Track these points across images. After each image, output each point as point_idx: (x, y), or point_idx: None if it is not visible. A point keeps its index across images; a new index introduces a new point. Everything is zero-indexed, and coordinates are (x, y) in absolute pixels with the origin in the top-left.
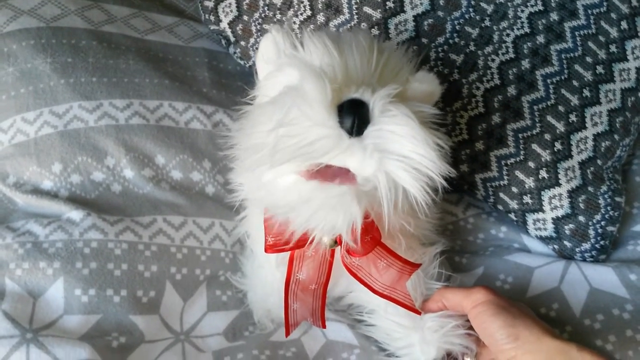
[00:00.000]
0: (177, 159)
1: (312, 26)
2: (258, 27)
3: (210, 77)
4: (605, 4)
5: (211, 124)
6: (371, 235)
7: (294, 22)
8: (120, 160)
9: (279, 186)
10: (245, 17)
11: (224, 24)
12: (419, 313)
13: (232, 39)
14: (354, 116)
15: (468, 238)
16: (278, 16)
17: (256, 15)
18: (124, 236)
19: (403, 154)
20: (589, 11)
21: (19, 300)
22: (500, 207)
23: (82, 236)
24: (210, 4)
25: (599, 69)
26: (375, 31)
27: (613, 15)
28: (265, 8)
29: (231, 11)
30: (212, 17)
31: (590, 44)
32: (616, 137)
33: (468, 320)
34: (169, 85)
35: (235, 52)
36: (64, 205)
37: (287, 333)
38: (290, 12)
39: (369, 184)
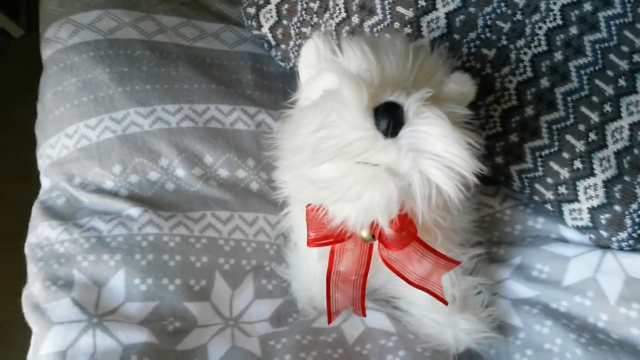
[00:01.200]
0: (223, 158)
1: (347, 27)
2: (297, 30)
3: (254, 79)
4: None
5: (254, 124)
6: (407, 230)
7: (330, 25)
8: (173, 161)
9: (321, 170)
10: (285, 22)
11: (265, 29)
12: (446, 303)
13: (273, 43)
14: (389, 118)
15: (505, 229)
16: (315, 19)
17: (295, 19)
18: (177, 230)
19: (436, 153)
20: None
21: (85, 289)
22: (536, 198)
23: (140, 231)
24: (252, 11)
25: (636, 58)
26: (407, 30)
27: None
28: (303, 12)
29: (272, 17)
30: (254, 23)
31: (626, 32)
32: None
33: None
34: (215, 89)
35: (276, 55)
36: (124, 203)
37: (330, 320)
38: (327, 15)
39: (404, 181)
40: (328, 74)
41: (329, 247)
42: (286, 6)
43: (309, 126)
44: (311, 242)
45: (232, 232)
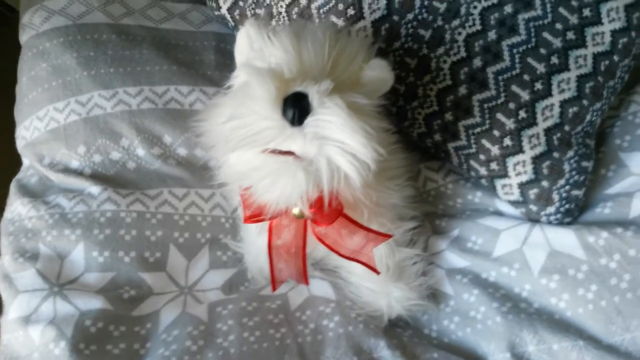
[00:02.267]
0: (182, 138)
1: (296, 9)
2: (252, 12)
3: (216, 59)
4: None
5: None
6: (332, 208)
7: (281, 6)
8: (133, 141)
9: (238, 161)
10: (241, 3)
11: (224, 10)
12: (378, 272)
13: (232, 24)
14: (294, 108)
15: (448, 203)
16: (268, 1)
17: (250, 0)
18: (134, 207)
19: (338, 140)
20: None
21: (49, 261)
22: (472, 174)
23: (99, 207)
24: None
25: (570, 35)
26: (351, 10)
27: None
28: None
29: None
30: (214, 4)
31: (561, 9)
32: (585, 102)
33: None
34: (176, 71)
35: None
36: (86, 181)
37: (274, 288)
38: None
39: (313, 166)
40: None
41: (267, 223)
42: None
43: (222, 117)
44: (247, 220)
45: (188, 207)
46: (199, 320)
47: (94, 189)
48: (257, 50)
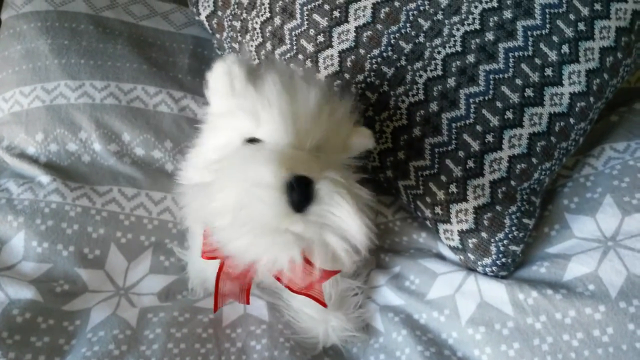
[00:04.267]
0: (141, 138)
1: (270, 27)
2: (229, 22)
3: (190, 64)
4: (547, 26)
5: (178, 108)
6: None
7: (256, 22)
8: (91, 135)
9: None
10: (220, 13)
11: (202, 17)
12: (325, 306)
13: (210, 31)
14: (300, 196)
15: (395, 239)
16: (244, 15)
17: (228, 12)
18: (80, 201)
19: (340, 230)
20: (527, 32)
21: None
22: (419, 214)
23: (45, 198)
24: None
25: (528, 92)
26: (321, 38)
27: (555, 38)
28: (235, 6)
29: (208, 6)
30: (194, 9)
31: (523, 66)
32: (534, 160)
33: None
34: (146, 70)
35: (214, 43)
36: (38, 169)
37: (215, 309)
38: (254, 13)
39: (306, 243)
40: (243, 122)
41: None
42: None
43: (225, 191)
44: (204, 255)
45: (135, 208)
46: (127, 325)
47: (44, 178)
48: (239, 94)
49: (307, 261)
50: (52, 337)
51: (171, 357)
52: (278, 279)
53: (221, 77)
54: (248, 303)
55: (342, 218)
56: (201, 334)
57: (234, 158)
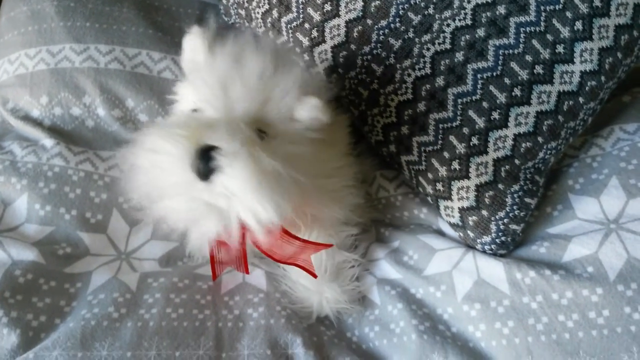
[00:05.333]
0: (144, 104)
1: (269, 19)
2: (235, 10)
3: None
4: (562, 1)
5: (182, 75)
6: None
7: (257, 13)
8: (95, 100)
9: None
10: (224, 1)
11: None
12: (315, 276)
13: None
14: (204, 165)
15: (396, 214)
16: (246, 4)
17: (232, 0)
18: (83, 166)
19: (245, 200)
20: (540, 7)
21: None
22: (420, 190)
23: (49, 161)
24: None
25: (538, 69)
26: (314, 32)
27: (568, 14)
28: None
29: None
30: None
31: (534, 42)
32: (540, 139)
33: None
34: (152, 35)
35: (221, 8)
36: (42, 132)
37: (214, 277)
38: (254, 3)
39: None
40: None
41: None
42: None
43: (138, 159)
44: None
45: None
46: (127, 288)
47: (48, 141)
48: (201, 63)
49: (284, 231)
50: (53, 298)
51: (169, 321)
52: (258, 247)
53: (189, 45)
54: (247, 272)
55: (244, 188)
56: (200, 300)
57: (153, 127)
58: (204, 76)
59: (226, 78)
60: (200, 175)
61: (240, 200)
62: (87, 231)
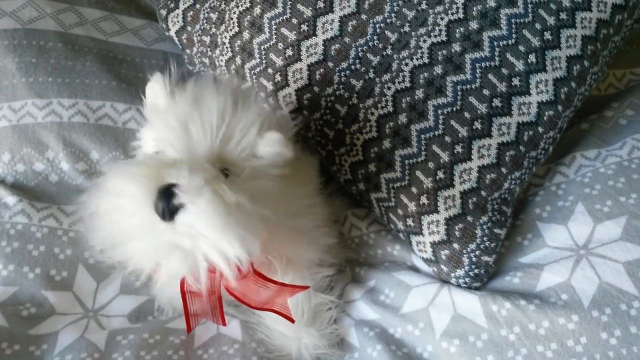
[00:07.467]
0: (110, 156)
1: (239, 42)
2: (198, 38)
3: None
4: (514, 35)
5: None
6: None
7: (225, 37)
8: (59, 154)
9: None
10: (189, 28)
11: (172, 33)
12: (292, 321)
13: (180, 47)
14: (166, 204)
15: (369, 252)
16: (213, 30)
17: (197, 27)
18: (47, 222)
19: (210, 239)
20: (494, 42)
21: None
22: (392, 227)
23: (11, 219)
24: (164, 13)
25: (496, 102)
26: (278, 77)
27: (521, 48)
28: (204, 21)
29: (178, 21)
30: (164, 25)
31: (490, 76)
32: (504, 170)
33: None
34: (116, 87)
35: (185, 58)
36: (4, 190)
37: (189, 330)
38: (222, 27)
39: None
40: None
41: None
42: (191, 13)
43: (99, 202)
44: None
45: None
46: (95, 348)
47: (10, 199)
48: (162, 107)
49: (257, 273)
50: None
51: None
52: (231, 294)
53: (149, 94)
54: (224, 324)
55: (208, 226)
56: (172, 355)
57: (112, 171)
58: (165, 118)
59: (187, 119)
60: (162, 215)
61: (205, 237)
62: (52, 289)
